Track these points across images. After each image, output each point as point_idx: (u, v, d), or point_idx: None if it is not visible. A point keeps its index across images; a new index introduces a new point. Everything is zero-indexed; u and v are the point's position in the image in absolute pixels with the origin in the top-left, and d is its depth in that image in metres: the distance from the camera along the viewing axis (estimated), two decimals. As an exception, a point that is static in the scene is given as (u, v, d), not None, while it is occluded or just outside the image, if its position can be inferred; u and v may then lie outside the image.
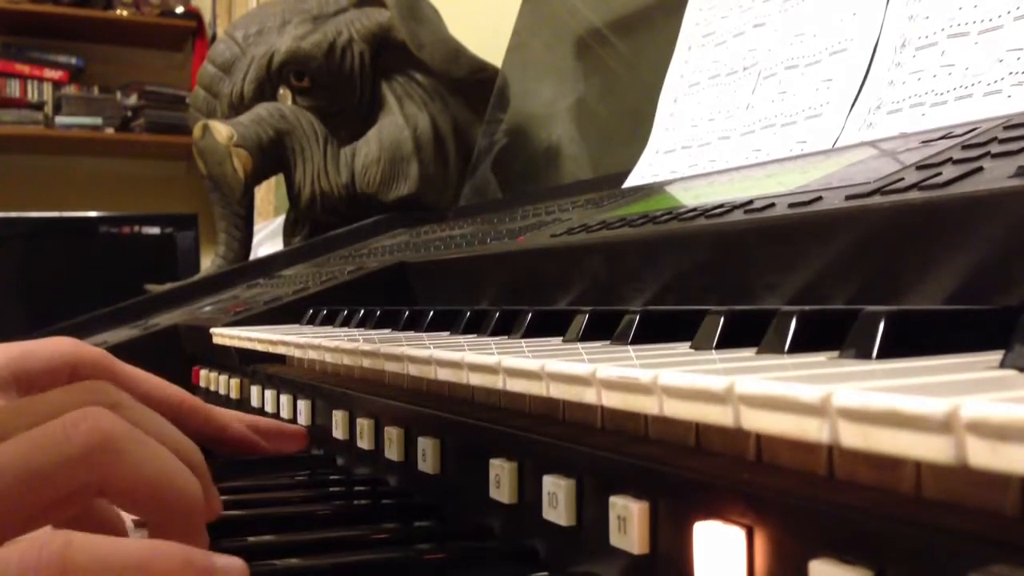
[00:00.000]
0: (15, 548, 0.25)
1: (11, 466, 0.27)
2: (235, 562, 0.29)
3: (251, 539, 0.44)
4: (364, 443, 0.56)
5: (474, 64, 1.51)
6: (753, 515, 0.28)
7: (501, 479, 0.41)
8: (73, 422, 0.28)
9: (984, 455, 0.19)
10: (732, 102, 0.84)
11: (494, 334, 0.54)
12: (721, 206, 0.56)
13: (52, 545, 0.25)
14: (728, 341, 0.36)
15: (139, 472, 0.29)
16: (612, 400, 0.31)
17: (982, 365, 0.26)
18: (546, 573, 0.38)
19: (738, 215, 0.53)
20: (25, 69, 3.93)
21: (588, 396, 0.32)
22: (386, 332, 0.66)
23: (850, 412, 0.21)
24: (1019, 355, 0.25)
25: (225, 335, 0.84)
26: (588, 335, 0.45)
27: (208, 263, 1.65)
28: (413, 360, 0.46)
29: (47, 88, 3.97)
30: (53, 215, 2.90)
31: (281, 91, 1.60)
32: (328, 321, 0.81)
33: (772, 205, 0.52)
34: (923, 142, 0.55)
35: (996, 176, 0.41)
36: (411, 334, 0.62)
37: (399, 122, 1.52)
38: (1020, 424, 0.18)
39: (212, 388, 0.92)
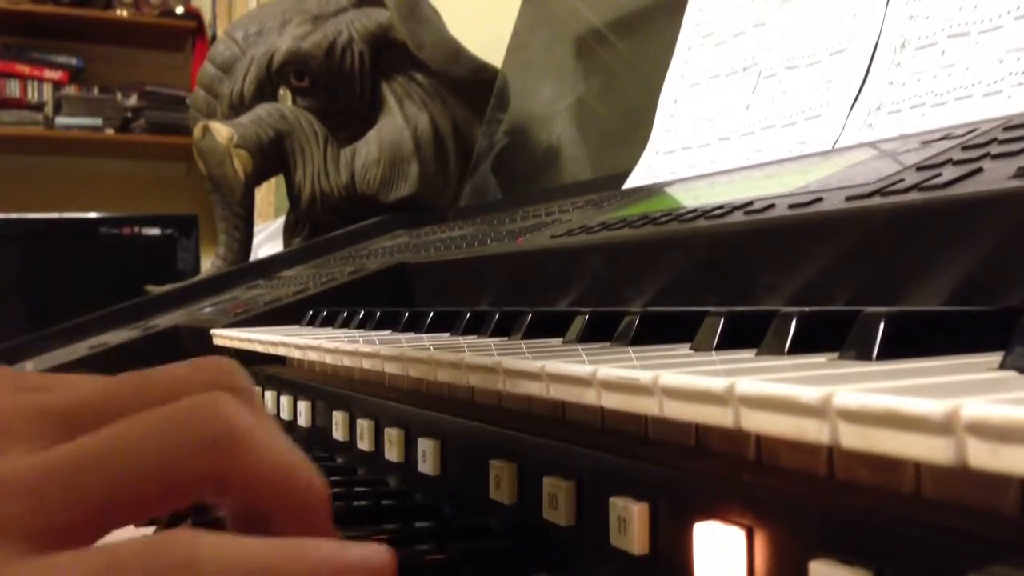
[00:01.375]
0: (135, 545, 0.22)
1: (129, 452, 0.24)
2: (373, 550, 0.25)
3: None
4: (364, 444, 0.56)
5: (474, 64, 1.51)
6: (753, 516, 0.27)
7: (501, 480, 0.41)
8: (196, 409, 0.25)
9: (984, 456, 0.19)
10: (732, 102, 0.84)
11: (494, 335, 0.54)
12: (721, 207, 0.56)
13: (177, 547, 0.22)
14: (728, 342, 0.36)
15: (267, 467, 0.26)
16: (612, 401, 0.31)
17: (982, 366, 0.26)
18: (546, 574, 0.38)
19: (738, 216, 0.53)
20: (25, 69, 3.93)
21: (588, 397, 0.32)
22: (386, 333, 0.66)
23: (850, 413, 0.21)
24: (1019, 356, 0.25)
25: (225, 336, 0.84)
26: (588, 336, 0.45)
27: (208, 264, 1.65)
28: (413, 361, 0.46)
29: (47, 88, 3.96)
30: (53, 216, 2.89)
31: (281, 91, 1.60)
32: (328, 322, 0.81)
33: (772, 206, 0.52)
34: (923, 143, 0.55)
35: (996, 177, 0.41)
36: (411, 335, 0.62)
37: (399, 122, 1.52)
38: (1020, 425, 0.18)
39: (212, 389, 0.92)
